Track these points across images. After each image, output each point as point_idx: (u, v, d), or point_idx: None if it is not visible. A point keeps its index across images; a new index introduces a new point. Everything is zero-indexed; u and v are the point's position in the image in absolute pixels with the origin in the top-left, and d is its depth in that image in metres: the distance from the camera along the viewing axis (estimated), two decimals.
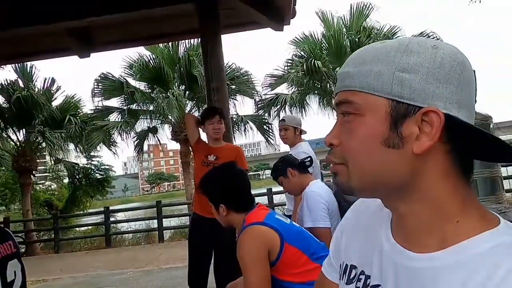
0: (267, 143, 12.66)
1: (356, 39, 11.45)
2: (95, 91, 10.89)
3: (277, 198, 8.89)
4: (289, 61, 12.64)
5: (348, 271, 0.63)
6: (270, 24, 3.94)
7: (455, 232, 0.49)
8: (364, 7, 12.02)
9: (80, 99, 12.10)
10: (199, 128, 2.96)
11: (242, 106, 13.35)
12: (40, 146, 11.75)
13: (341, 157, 0.54)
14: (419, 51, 0.49)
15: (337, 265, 0.69)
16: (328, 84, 12.48)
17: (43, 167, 16.26)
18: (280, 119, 4.34)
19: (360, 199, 0.73)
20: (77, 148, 12.33)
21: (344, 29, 12.00)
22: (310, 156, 2.55)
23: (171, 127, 11.46)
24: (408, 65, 0.49)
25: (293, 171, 2.34)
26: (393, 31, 11.89)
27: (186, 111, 10.59)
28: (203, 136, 2.99)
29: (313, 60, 11.46)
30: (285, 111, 12.26)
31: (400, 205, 0.53)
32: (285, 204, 3.50)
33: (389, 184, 0.51)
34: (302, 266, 1.54)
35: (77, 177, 12.92)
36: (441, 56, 0.49)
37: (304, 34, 12.67)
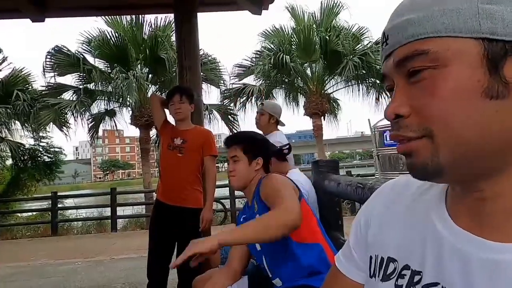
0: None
1: (327, 37, 11.58)
2: (48, 66, 10.01)
3: (238, 191, 8.76)
4: (258, 52, 12.53)
5: (384, 265, 0.51)
6: (249, 6, 3.75)
7: None
8: (334, 5, 12.18)
9: (29, 73, 11.13)
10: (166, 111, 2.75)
11: (208, 95, 13.05)
12: None
13: (420, 127, 0.41)
14: None
15: (362, 260, 0.57)
16: (295, 79, 12.53)
17: None
18: (260, 103, 4.13)
19: (388, 182, 0.61)
20: (24, 127, 11.32)
21: (314, 26, 12.08)
22: (289, 144, 2.42)
23: (130, 111, 10.87)
24: None
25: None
26: (361, 31, 12.17)
27: (148, 96, 10.09)
28: (172, 120, 2.78)
29: (282, 54, 11.43)
30: (251, 102, 12.15)
31: (487, 185, 0.41)
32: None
33: (493, 151, 0.39)
34: (310, 227, 1.47)
35: (22, 158, 11.87)
36: None
37: (274, 27, 12.62)
